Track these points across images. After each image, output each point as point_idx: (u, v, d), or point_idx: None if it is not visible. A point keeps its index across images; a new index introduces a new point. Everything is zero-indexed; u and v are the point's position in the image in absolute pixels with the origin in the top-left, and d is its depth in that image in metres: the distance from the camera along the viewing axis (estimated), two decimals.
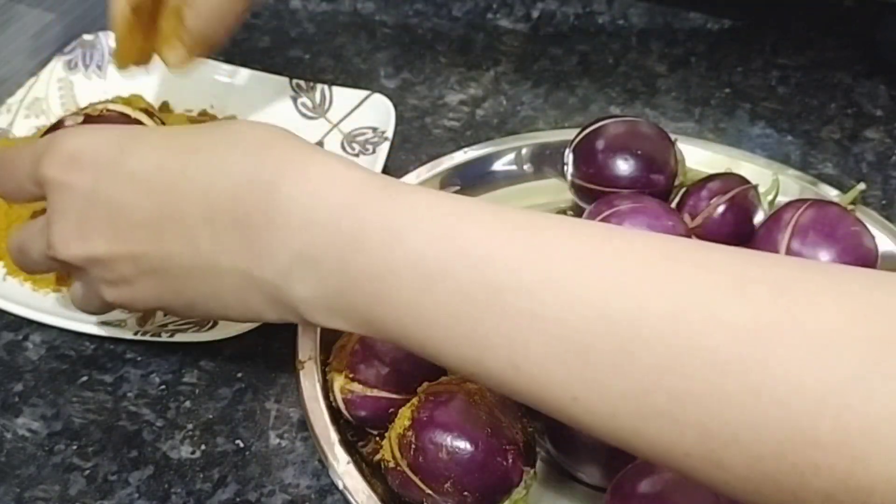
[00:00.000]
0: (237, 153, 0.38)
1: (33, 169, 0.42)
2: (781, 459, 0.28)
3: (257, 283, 0.37)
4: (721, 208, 0.51)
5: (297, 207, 0.36)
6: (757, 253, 0.32)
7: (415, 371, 0.43)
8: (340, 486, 0.42)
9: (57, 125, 0.52)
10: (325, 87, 0.63)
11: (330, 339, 0.47)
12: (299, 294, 0.36)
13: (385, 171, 0.57)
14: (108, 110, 0.51)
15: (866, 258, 0.48)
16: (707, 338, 0.29)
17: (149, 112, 0.53)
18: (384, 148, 0.58)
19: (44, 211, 0.43)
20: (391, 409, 0.43)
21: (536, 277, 0.32)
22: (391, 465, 0.41)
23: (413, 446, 0.40)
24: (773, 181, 0.55)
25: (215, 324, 0.50)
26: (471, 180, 0.58)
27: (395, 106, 0.60)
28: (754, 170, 0.56)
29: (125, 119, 0.51)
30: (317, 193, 0.36)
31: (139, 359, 0.51)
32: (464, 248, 0.33)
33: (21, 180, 0.43)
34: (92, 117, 0.51)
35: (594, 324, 0.30)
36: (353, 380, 0.43)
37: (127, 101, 0.52)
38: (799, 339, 0.28)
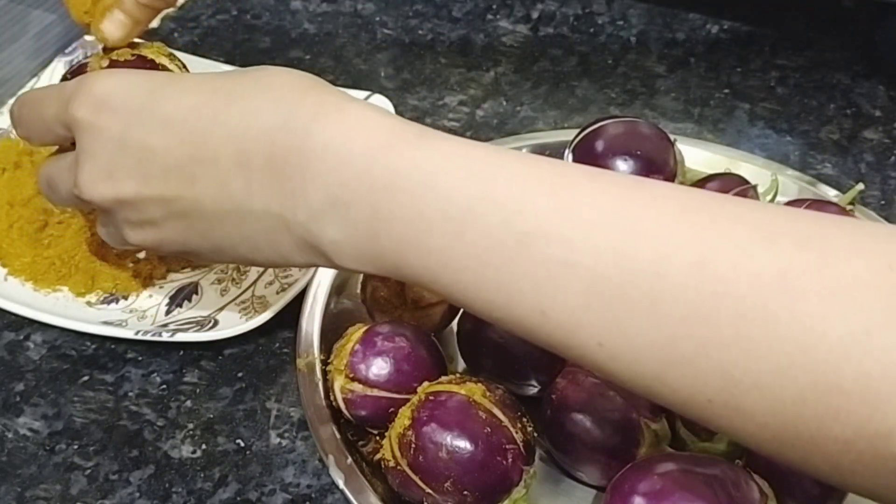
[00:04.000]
0: (271, 98, 0.38)
1: (62, 110, 0.42)
2: (802, 406, 0.28)
3: (289, 225, 0.38)
4: None
5: (331, 151, 0.36)
6: (782, 207, 0.33)
7: (415, 371, 0.44)
8: (341, 486, 0.42)
9: (81, 68, 0.50)
10: None
11: (330, 339, 0.47)
12: (330, 236, 0.37)
13: None
14: (132, 55, 0.49)
15: None
16: (733, 287, 0.29)
17: (171, 58, 0.51)
18: None
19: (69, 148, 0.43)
20: (391, 409, 0.43)
21: (566, 225, 0.32)
22: (391, 464, 0.41)
23: (413, 446, 0.40)
24: (772, 181, 0.55)
25: (216, 323, 0.50)
26: None
27: (396, 106, 0.60)
28: (753, 170, 0.56)
29: (150, 65, 0.49)
30: (351, 138, 0.36)
31: (140, 358, 0.51)
32: (494, 195, 0.33)
33: (48, 122, 0.43)
34: (117, 62, 0.49)
35: (622, 271, 0.31)
36: (353, 379, 0.43)
37: (151, 48, 0.51)
38: (823, 289, 0.28)
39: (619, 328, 0.31)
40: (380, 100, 0.61)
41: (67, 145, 0.45)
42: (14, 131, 0.61)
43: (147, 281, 0.54)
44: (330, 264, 0.38)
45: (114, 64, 0.49)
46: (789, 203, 0.52)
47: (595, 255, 0.31)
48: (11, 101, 0.62)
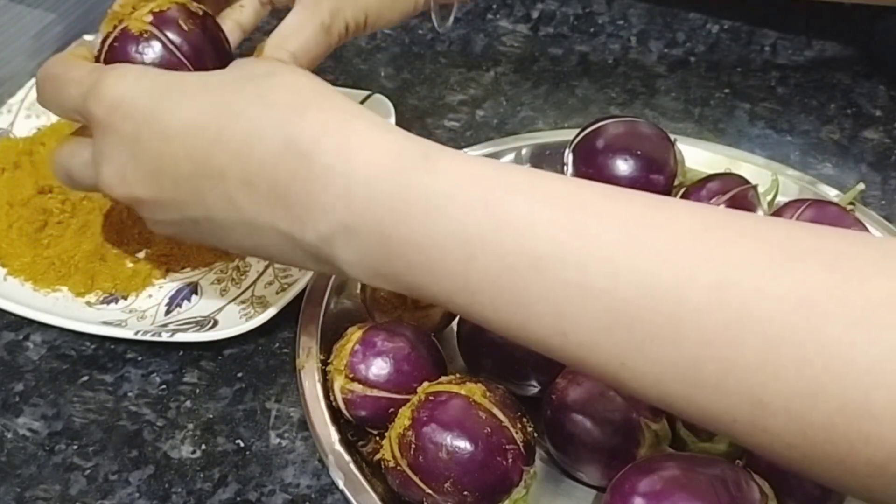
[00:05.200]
0: (273, 117, 0.37)
1: (79, 103, 0.42)
2: (832, 430, 0.28)
3: (299, 244, 0.38)
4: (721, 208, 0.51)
5: (334, 177, 0.36)
6: (805, 224, 0.32)
7: (415, 371, 0.44)
8: (340, 486, 0.42)
9: (120, 40, 0.45)
10: None
11: (330, 339, 0.47)
12: (341, 257, 0.37)
13: None
14: (172, 1, 0.46)
15: None
16: (757, 309, 0.29)
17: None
18: None
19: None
20: (391, 409, 0.43)
21: (581, 249, 0.32)
22: (391, 464, 0.41)
23: (413, 446, 0.40)
24: (772, 181, 0.55)
25: (216, 323, 0.50)
26: None
27: (395, 106, 0.60)
28: (754, 170, 0.56)
29: (189, 13, 0.46)
30: (354, 163, 0.36)
31: (140, 358, 0.51)
32: (506, 219, 0.33)
33: (66, 107, 0.44)
34: (162, 13, 0.45)
35: (641, 295, 0.30)
36: (353, 380, 0.43)
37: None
38: (851, 312, 0.28)
39: (641, 350, 0.31)
40: (380, 100, 0.61)
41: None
42: (13, 131, 0.61)
43: (147, 281, 0.54)
44: (345, 277, 0.39)
45: (158, 16, 0.45)
46: (790, 203, 0.52)
47: (613, 279, 0.31)
48: (11, 100, 0.62)
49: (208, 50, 0.45)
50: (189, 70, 0.44)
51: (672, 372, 0.30)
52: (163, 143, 0.39)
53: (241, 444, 0.47)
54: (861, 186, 0.54)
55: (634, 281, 0.31)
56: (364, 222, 0.35)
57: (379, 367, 0.43)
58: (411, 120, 0.66)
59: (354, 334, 0.45)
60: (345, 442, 0.44)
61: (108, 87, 0.41)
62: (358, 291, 0.50)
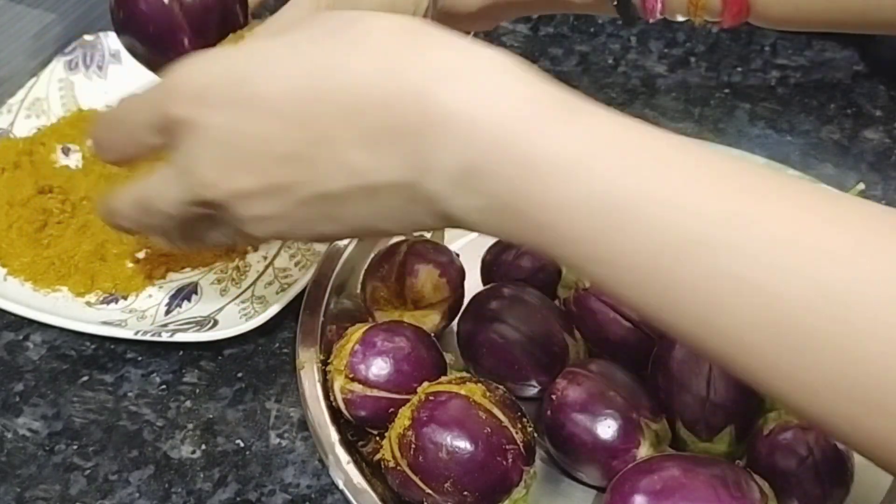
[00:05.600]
0: (374, 60, 0.34)
1: (155, 115, 0.39)
2: None
3: (419, 195, 0.35)
4: None
5: (458, 118, 0.32)
6: None
7: (415, 371, 0.44)
8: (340, 486, 0.42)
9: None
10: None
11: (330, 339, 0.47)
12: (462, 210, 0.34)
13: None
14: None
15: None
16: None
17: None
18: None
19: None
20: (391, 409, 0.43)
21: (739, 237, 0.29)
22: (391, 464, 0.41)
23: (413, 446, 0.40)
24: None
25: (216, 323, 0.50)
26: None
27: None
28: None
29: None
30: (480, 106, 0.32)
31: (140, 358, 0.51)
32: (654, 193, 0.30)
33: (139, 135, 0.40)
34: None
35: (807, 297, 0.27)
36: (353, 380, 0.43)
37: None
38: None
39: (801, 359, 0.28)
40: None
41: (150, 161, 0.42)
42: (13, 131, 0.61)
43: (146, 281, 0.54)
44: (468, 229, 0.35)
45: None
46: None
47: (772, 275, 0.28)
48: (11, 100, 0.62)
49: (214, 11, 0.45)
50: (183, 27, 0.44)
51: (836, 388, 0.27)
52: (259, 122, 0.36)
53: (241, 444, 0.47)
54: (861, 186, 0.54)
55: (798, 280, 0.28)
56: (491, 171, 0.32)
57: (379, 367, 0.43)
58: None
59: (354, 334, 0.45)
60: (345, 442, 0.44)
61: (184, 83, 0.38)
62: (358, 291, 0.50)
